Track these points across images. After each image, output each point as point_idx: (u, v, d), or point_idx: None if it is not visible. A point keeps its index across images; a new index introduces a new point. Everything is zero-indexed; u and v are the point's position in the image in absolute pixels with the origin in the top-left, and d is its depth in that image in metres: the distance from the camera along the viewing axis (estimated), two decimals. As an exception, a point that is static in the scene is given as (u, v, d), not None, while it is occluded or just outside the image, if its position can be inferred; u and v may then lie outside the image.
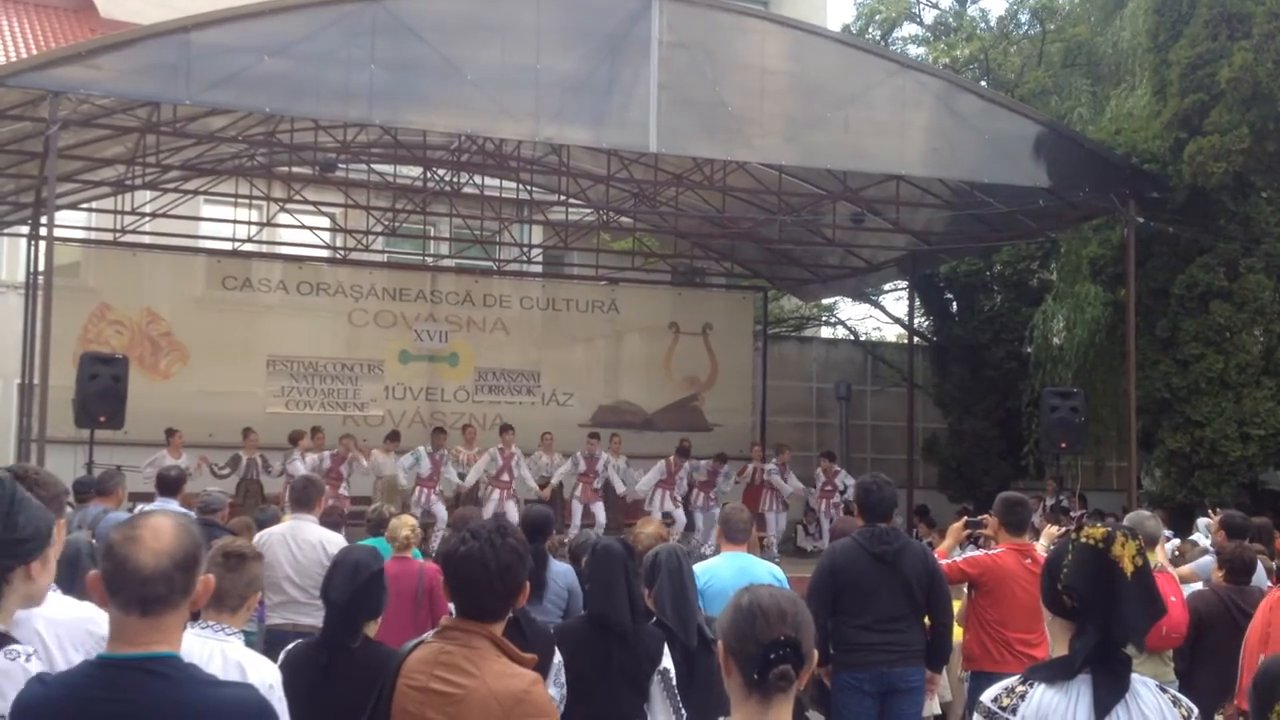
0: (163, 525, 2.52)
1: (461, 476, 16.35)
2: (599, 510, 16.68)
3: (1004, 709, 2.85)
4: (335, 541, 7.13)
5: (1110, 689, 2.80)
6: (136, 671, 2.42)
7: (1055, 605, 2.95)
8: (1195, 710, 2.88)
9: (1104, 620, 2.84)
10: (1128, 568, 2.85)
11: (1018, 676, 2.94)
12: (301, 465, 14.99)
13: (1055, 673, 2.86)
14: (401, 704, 3.04)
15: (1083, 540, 2.92)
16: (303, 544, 7.12)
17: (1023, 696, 2.85)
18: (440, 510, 15.62)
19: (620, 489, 17.16)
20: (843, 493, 17.15)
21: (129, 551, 2.45)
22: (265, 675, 3.56)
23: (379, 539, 7.74)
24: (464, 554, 3.07)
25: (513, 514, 15.86)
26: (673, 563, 4.82)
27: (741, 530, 6.33)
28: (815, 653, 2.54)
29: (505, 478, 16.24)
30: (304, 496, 7.48)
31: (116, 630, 2.48)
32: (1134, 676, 2.86)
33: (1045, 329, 18.55)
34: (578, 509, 16.67)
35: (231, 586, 3.86)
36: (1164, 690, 2.89)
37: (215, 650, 3.64)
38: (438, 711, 2.98)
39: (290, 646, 4.39)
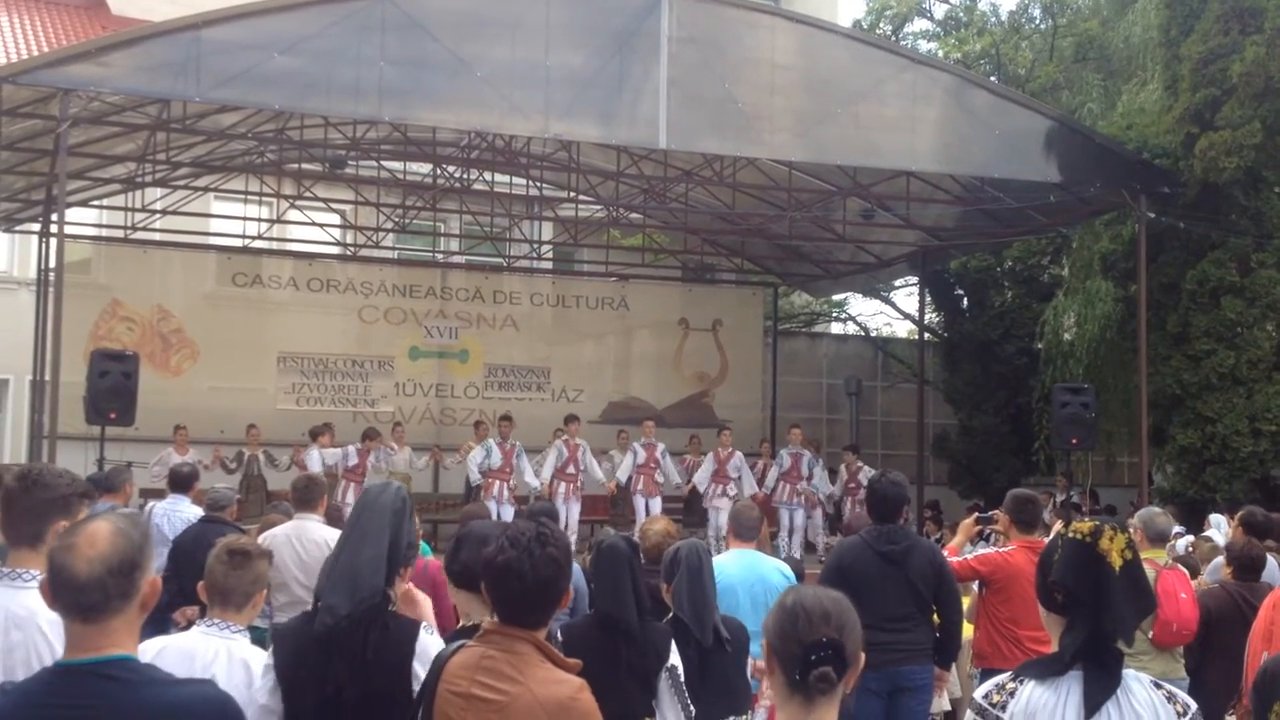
0: (99, 532, 2.50)
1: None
2: (656, 507, 15.71)
3: (994, 705, 2.83)
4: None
5: (1100, 685, 2.77)
6: (91, 676, 2.42)
7: (1047, 600, 2.94)
8: (1192, 707, 2.85)
9: (1092, 615, 2.82)
10: (1116, 562, 2.84)
11: (1009, 673, 2.92)
12: (317, 459, 14.94)
13: (1045, 669, 2.85)
14: (443, 709, 2.97)
15: (1071, 535, 2.92)
16: (308, 544, 7.10)
17: (1013, 693, 2.83)
18: (508, 513, 14.44)
19: (675, 480, 16.70)
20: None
21: (65, 560, 2.46)
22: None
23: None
24: (501, 564, 2.97)
25: (574, 514, 15.61)
26: (693, 559, 4.80)
27: (750, 528, 6.32)
28: (862, 656, 2.49)
29: (571, 470, 15.81)
30: (306, 496, 7.46)
31: (67, 637, 2.49)
32: (1127, 672, 2.83)
33: (1056, 325, 18.48)
34: (641, 506, 15.92)
35: (237, 584, 3.84)
36: (1159, 686, 2.86)
37: (220, 648, 3.63)
38: (481, 718, 2.92)
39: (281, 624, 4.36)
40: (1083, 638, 2.81)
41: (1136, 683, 2.83)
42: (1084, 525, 2.92)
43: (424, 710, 3.02)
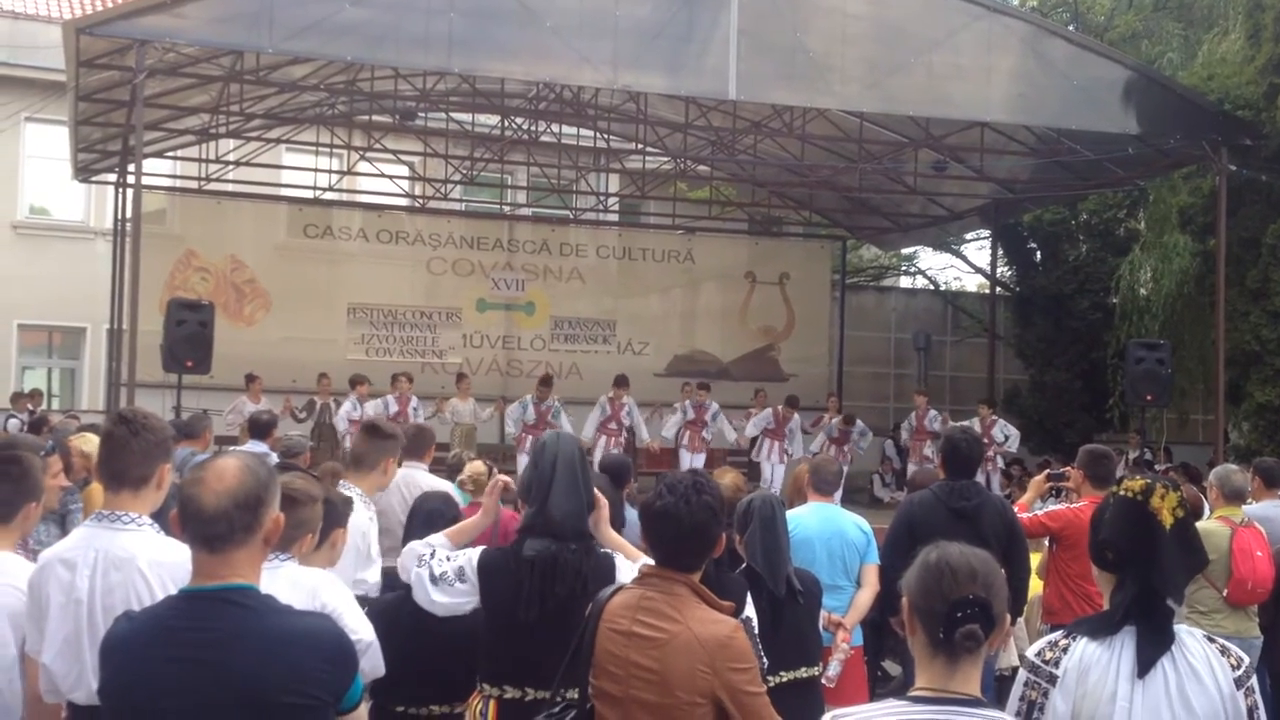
0: (227, 467, 2.61)
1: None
2: (700, 463, 15.81)
3: (1047, 662, 2.83)
4: (443, 487, 7.25)
5: (1152, 643, 2.76)
6: (215, 602, 2.53)
7: (1098, 558, 2.93)
8: (1245, 660, 2.83)
9: (1142, 573, 2.81)
10: (1167, 520, 2.82)
11: (1061, 631, 2.92)
12: (361, 409, 15.07)
13: (1098, 627, 2.84)
14: (605, 646, 3.14)
15: (1122, 493, 2.90)
16: (414, 490, 7.26)
17: (1065, 650, 2.83)
18: None
19: (730, 436, 16.91)
20: (1001, 444, 16.32)
21: (194, 492, 2.57)
22: (321, 590, 3.67)
23: (455, 485, 7.84)
24: (659, 509, 3.16)
25: None
26: (766, 511, 4.82)
27: (830, 482, 6.31)
28: (1007, 616, 2.46)
29: (614, 426, 16.02)
30: (415, 445, 7.63)
31: (194, 565, 2.61)
32: (1180, 628, 2.82)
33: (1132, 279, 18.20)
34: (686, 460, 16.07)
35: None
36: (1212, 640, 2.85)
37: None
38: (642, 654, 3.06)
39: (378, 598, 4.44)
40: (1133, 596, 2.80)
41: (1190, 637, 2.82)
42: (1135, 483, 2.90)
43: (584, 648, 3.18)
